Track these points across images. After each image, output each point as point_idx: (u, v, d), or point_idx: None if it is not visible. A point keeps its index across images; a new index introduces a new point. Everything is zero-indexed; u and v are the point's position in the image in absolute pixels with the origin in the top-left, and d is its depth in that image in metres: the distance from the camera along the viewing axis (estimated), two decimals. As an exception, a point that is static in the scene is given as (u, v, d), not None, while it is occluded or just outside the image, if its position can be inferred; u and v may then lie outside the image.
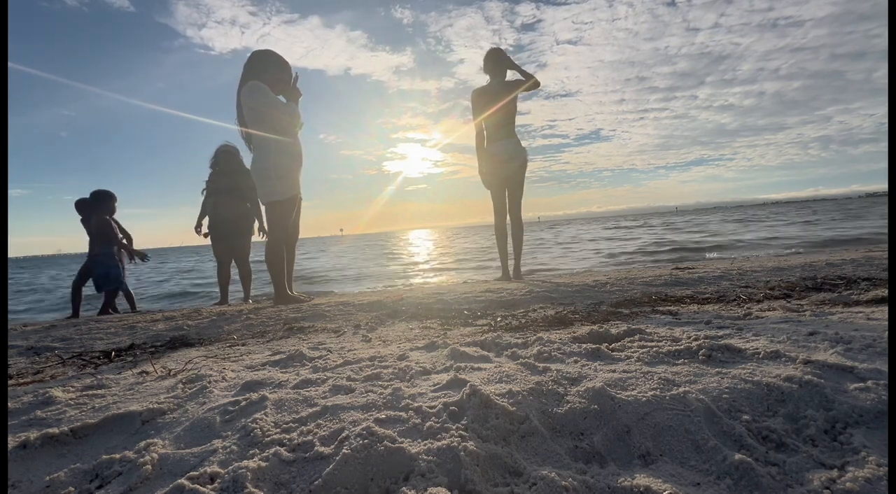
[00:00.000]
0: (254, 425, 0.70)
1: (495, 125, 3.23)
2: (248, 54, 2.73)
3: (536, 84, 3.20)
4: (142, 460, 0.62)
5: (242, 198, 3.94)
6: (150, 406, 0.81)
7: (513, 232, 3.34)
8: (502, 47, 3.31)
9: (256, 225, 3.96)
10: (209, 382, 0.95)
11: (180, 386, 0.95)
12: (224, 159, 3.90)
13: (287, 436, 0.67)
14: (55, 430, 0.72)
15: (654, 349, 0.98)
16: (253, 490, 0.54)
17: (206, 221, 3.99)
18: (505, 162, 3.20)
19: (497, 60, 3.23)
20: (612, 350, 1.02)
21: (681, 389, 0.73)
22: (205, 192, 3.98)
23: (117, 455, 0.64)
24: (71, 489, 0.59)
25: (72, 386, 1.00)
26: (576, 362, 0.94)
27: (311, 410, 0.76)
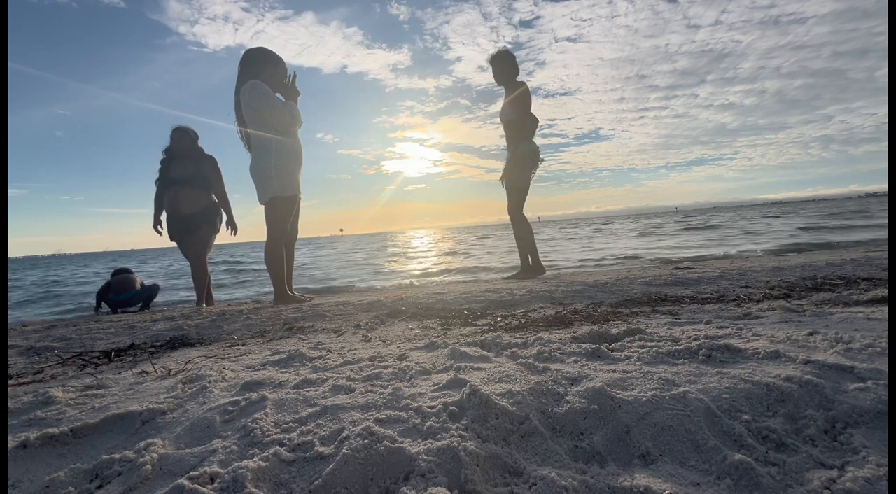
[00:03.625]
0: (254, 425, 0.70)
1: (534, 123, 3.30)
2: (242, 52, 2.74)
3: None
4: (142, 460, 0.62)
5: (205, 188, 3.37)
6: (150, 406, 0.81)
7: (515, 230, 3.36)
8: (500, 48, 3.35)
9: (225, 218, 3.46)
10: (209, 382, 0.95)
11: (180, 385, 0.95)
12: (177, 137, 3.33)
13: (287, 436, 0.67)
14: (55, 430, 0.72)
15: (654, 349, 0.98)
16: (253, 490, 0.54)
17: (164, 217, 3.40)
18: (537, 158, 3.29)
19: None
20: (612, 350, 1.02)
21: (681, 389, 0.73)
22: (158, 182, 3.38)
23: (117, 455, 0.64)
24: (71, 489, 0.59)
25: (72, 386, 1.00)
26: (576, 362, 0.94)
27: (311, 410, 0.76)
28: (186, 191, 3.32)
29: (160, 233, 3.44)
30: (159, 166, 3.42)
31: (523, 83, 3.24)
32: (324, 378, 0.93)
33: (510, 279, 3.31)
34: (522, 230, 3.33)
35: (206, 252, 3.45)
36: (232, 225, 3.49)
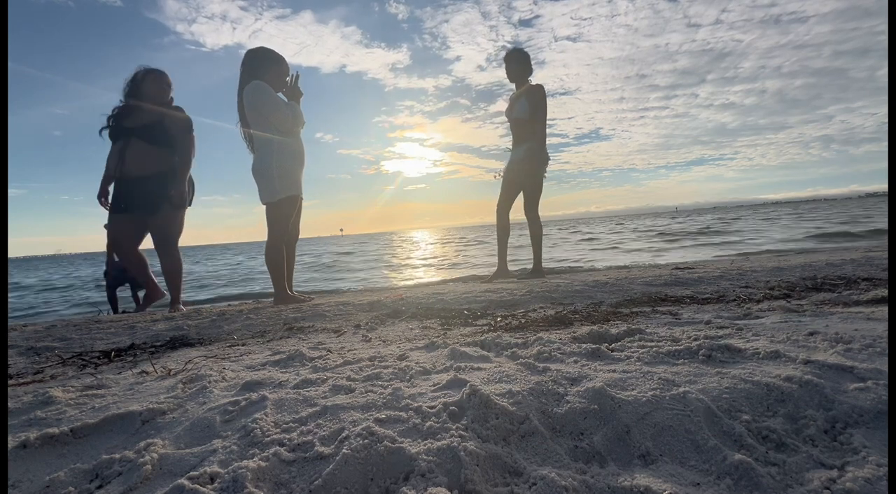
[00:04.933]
0: (254, 425, 0.70)
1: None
2: (242, 52, 2.74)
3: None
4: (142, 460, 0.62)
5: (164, 145, 2.51)
6: (150, 406, 0.81)
7: (531, 229, 3.41)
8: (515, 46, 3.41)
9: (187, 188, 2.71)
10: (209, 382, 0.95)
11: (180, 385, 0.95)
12: (150, 80, 2.51)
13: (287, 436, 0.67)
14: (55, 430, 0.72)
15: (654, 349, 0.98)
16: (253, 490, 0.54)
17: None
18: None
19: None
20: (612, 350, 1.02)
21: (681, 389, 0.73)
22: (106, 132, 2.50)
23: (117, 455, 0.64)
24: (71, 489, 0.59)
25: (72, 386, 1.00)
26: (576, 362, 0.94)
27: (311, 410, 0.76)
28: (137, 146, 2.39)
29: (105, 206, 2.59)
30: (112, 112, 2.52)
31: (541, 86, 3.26)
32: (324, 378, 0.93)
33: (520, 279, 3.32)
34: (538, 230, 3.38)
35: (176, 235, 2.70)
36: (178, 195, 2.60)
